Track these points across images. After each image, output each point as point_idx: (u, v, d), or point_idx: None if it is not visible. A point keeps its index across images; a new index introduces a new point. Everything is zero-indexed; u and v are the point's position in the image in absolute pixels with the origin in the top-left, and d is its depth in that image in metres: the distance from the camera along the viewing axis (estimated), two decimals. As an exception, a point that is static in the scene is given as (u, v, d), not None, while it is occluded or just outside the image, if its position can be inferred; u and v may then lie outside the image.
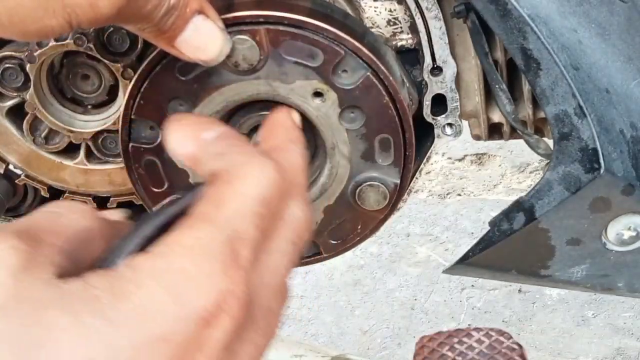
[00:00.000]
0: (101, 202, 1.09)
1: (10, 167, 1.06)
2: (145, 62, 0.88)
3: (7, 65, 0.97)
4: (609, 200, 0.95)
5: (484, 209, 2.59)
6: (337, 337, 2.31)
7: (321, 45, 0.86)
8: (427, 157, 1.03)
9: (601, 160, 0.94)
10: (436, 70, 0.98)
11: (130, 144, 0.93)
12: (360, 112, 0.90)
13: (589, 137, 0.93)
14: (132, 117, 0.91)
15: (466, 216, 2.58)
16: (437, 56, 0.97)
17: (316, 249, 1.01)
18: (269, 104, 0.93)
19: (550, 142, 0.98)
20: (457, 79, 1.00)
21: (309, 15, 0.87)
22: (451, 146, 2.70)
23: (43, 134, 1.03)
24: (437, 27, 0.96)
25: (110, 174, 1.04)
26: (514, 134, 1.08)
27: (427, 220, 2.58)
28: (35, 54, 0.96)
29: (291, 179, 0.58)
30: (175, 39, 0.73)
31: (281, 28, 0.86)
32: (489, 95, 1.03)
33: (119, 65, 0.95)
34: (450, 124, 1.01)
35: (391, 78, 0.89)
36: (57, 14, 0.62)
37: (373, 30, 0.98)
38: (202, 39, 0.75)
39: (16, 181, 1.08)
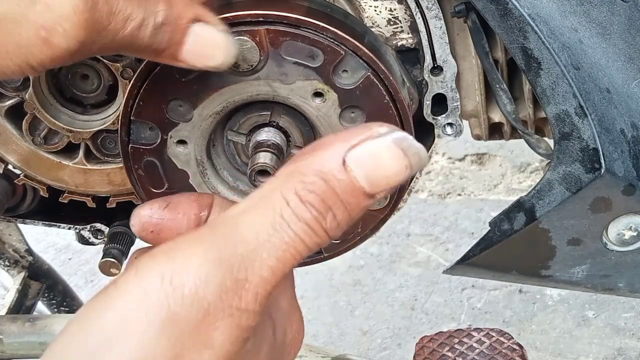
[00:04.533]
0: (100, 202, 1.08)
1: (10, 167, 1.06)
2: (145, 62, 0.88)
3: (6, 65, 0.97)
4: (610, 200, 0.95)
5: (484, 209, 2.58)
6: (337, 337, 2.30)
7: (321, 46, 0.86)
8: (427, 157, 1.03)
9: (602, 160, 0.93)
10: (436, 69, 0.98)
11: (130, 145, 0.93)
12: (360, 112, 0.90)
13: (589, 137, 0.93)
14: (132, 117, 0.91)
15: (466, 216, 2.57)
16: (437, 56, 0.97)
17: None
18: (269, 104, 0.93)
19: (551, 142, 0.98)
20: (458, 79, 1.00)
21: (308, 15, 0.86)
22: (451, 146, 2.69)
23: (42, 134, 1.02)
24: (438, 27, 0.96)
25: (110, 174, 1.04)
26: (514, 133, 1.07)
27: (427, 220, 2.57)
28: (35, 53, 0.95)
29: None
30: (178, 52, 0.70)
31: (281, 28, 0.86)
32: (489, 95, 1.03)
33: (119, 64, 0.95)
34: (450, 124, 1.01)
35: (391, 78, 0.88)
36: (11, 54, 0.59)
37: (373, 29, 0.97)
38: (206, 46, 0.72)
39: (15, 181, 1.08)
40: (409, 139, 0.57)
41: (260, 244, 0.53)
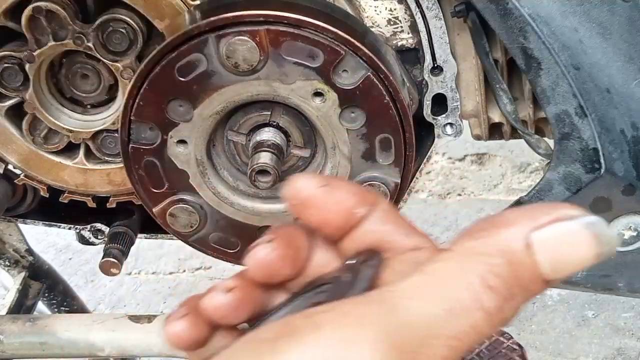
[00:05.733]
0: (101, 202, 1.08)
1: (10, 167, 1.06)
2: (145, 62, 0.88)
3: (6, 65, 0.97)
4: (610, 200, 0.95)
5: (484, 209, 2.58)
6: (337, 337, 2.30)
7: (321, 46, 0.86)
8: (427, 156, 1.03)
9: (602, 160, 0.93)
10: (436, 69, 0.98)
11: (130, 145, 0.93)
12: (360, 112, 0.90)
13: (589, 137, 0.93)
14: (132, 117, 0.91)
15: (466, 216, 2.57)
16: (437, 56, 0.97)
17: (316, 249, 1.01)
18: (269, 104, 0.93)
19: (551, 142, 0.98)
20: (458, 79, 1.00)
21: (309, 15, 0.86)
22: (451, 146, 2.69)
23: (42, 134, 1.02)
24: (438, 27, 0.96)
25: (110, 174, 1.04)
26: (514, 133, 1.07)
27: (427, 220, 2.57)
28: (35, 53, 0.95)
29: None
30: None
31: (281, 28, 0.86)
32: (489, 95, 1.03)
33: (119, 64, 0.95)
34: (450, 124, 1.01)
35: (392, 78, 0.88)
36: None
37: (373, 29, 0.97)
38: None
39: (15, 181, 1.08)
40: (602, 224, 0.50)
41: (433, 332, 0.46)
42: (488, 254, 0.48)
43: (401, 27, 0.98)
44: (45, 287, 1.46)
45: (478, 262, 0.47)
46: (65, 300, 1.52)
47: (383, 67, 0.88)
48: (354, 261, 0.53)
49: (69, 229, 1.16)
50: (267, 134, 0.93)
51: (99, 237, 1.14)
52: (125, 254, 1.12)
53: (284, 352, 0.45)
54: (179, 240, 1.03)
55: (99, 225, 1.13)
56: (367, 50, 0.87)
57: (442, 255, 0.49)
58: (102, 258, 1.11)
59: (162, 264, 2.39)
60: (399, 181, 0.94)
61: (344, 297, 0.49)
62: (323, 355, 0.45)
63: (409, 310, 0.46)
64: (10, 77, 0.98)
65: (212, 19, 0.86)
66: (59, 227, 1.16)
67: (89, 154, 1.04)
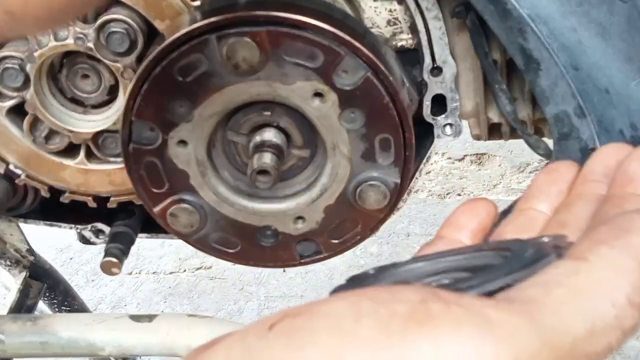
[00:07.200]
0: (101, 202, 1.09)
1: (11, 167, 1.06)
2: (145, 63, 0.88)
3: (7, 65, 0.97)
4: (609, 200, 0.95)
5: (484, 208, 2.58)
6: (337, 336, 2.30)
7: (321, 46, 0.87)
8: (427, 157, 1.03)
9: (601, 161, 0.93)
10: (436, 70, 0.98)
11: (131, 145, 0.93)
12: (360, 113, 0.90)
13: (588, 137, 0.93)
14: (133, 118, 0.91)
15: (466, 216, 2.57)
16: (437, 56, 0.98)
17: (316, 248, 1.01)
18: (270, 104, 0.93)
19: (550, 142, 0.98)
20: (457, 79, 1.00)
21: (309, 16, 0.87)
22: (451, 146, 2.69)
23: (43, 134, 1.03)
24: (437, 27, 0.96)
25: (111, 174, 1.04)
26: (513, 134, 1.08)
27: (427, 220, 2.57)
28: (36, 54, 0.96)
29: None
30: None
31: (282, 29, 0.86)
32: (488, 95, 1.03)
33: (119, 65, 0.96)
34: (450, 124, 1.01)
35: (391, 78, 0.89)
36: None
37: (373, 30, 0.98)
38: None
39: (16, 181, 1.08)
40: None
41: (571, 353, 0.42)
42: (630, 268, 0.44)
43: (401, 27, 0.98)
44: (46, 286, 1.47)
45: (622, 277, 0.44)
46: (66, 300, 1.53)
47: (383, 68, 0.88)
48: (546, 240, 0.48)
49: (70, 228, 1.16)
50: (268, 135, 0.93)
51: (100, 236, 1.14)
52: (125, 253, 1.12)
53: (415, 340, 0.41)
54: (180, 240, 1.03)
55: (99, 225, 1.14)
56: (366, 51, 0.87)
57: (579, 265, 0.45)
58: (103, 258, 1.11)
59: (163, 263, 2.39)
60: (399, 181, 0.94)
61: (506, 273, 0.44)
62: (456, 356, 0.41)
63: (552, 327, 0.43)
64: (11, 78, 0.98)
65: (212, 19, 0.86)
66: (60, 226, 1.16)
67: (89, 154, 1.04)
